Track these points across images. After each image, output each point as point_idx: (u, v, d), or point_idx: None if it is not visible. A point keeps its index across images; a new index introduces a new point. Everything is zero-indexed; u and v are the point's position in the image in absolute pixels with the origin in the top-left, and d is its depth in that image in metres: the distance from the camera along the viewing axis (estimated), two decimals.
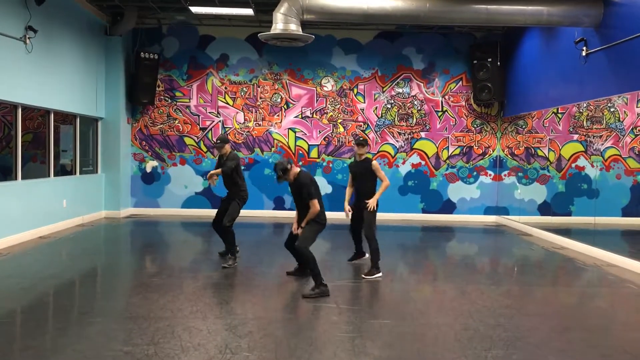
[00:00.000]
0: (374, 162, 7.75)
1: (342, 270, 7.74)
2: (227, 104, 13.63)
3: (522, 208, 12.91)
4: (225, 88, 13.62)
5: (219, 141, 8.26)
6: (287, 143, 13.63)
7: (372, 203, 7.51)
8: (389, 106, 13.65)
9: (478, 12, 9.38)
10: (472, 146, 13.67)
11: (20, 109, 9.60)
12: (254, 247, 9.52)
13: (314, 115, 13.65)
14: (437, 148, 13.67)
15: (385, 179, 7.71)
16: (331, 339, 5.05)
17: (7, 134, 9.85)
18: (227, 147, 8.29)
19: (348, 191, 7.96)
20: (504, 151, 13.56)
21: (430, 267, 8.75)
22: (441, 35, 13.53)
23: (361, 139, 8.68)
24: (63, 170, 11.69)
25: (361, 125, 13.64)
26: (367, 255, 7.89)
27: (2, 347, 4.75)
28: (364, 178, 7.74)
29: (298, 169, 6.85)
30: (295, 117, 13.65)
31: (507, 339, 5.08)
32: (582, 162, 12.74)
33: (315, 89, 13.62)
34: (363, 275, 7.39)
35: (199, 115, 13.62)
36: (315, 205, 6.61)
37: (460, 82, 13.64)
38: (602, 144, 12.68)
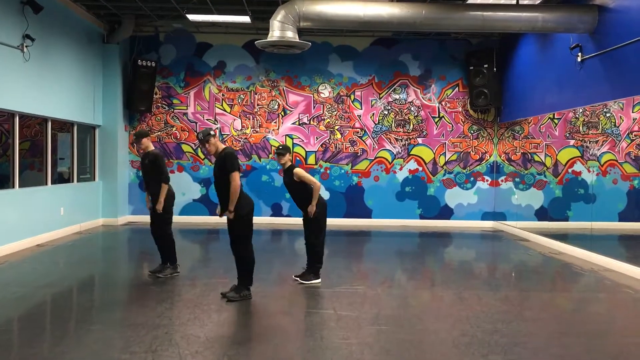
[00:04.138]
0: (296, 170, 7.14)
1: (340, 277, 7.74)
2: (225, 111, 13.66)
3: (519, 213, 12.94)
4: (223, 95, 13.65)
5: (134, 135, 7.63)
6: None
7: (310, 210, 7.08)
8: (386, 112, 13.69)
9: (474, 18, 9.42)
10: (469, 152, 13.71)
11: (17, 117, 9.61)
12: None
13: (311, 122, 13.68)
14: (434, 154, 13.71)
15: (314, 182, 7.12)
16: (329, 345, 5.05)
17: (5, 142, 9.85)
18: (146, 142, 7.60)
19: None
20: (500, 157, 13.60)
21: (428, 273, 8.76)
22: (437, 42, 13.59)
23: (280, 147, 7.32)
24: (60, 178, 11.68)
25: (358, 132, 13.67)
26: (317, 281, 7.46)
27: (0, 355, 4.74)
28: (292, 188, 7.27)
29: (223, 145, 6.50)
30: (292, 123, 13.68)
31: (505, 344, 5.08)
32: (578, 167, 12.78)
33: (312, 95, 13.66)
34: (298, 279, 7.34)
35: (196, 123, 13.63)
36: (236, 178, 6.19)
37: (457, 88, 13.69)
38: (599, 149, 12.72)
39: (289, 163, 7.30)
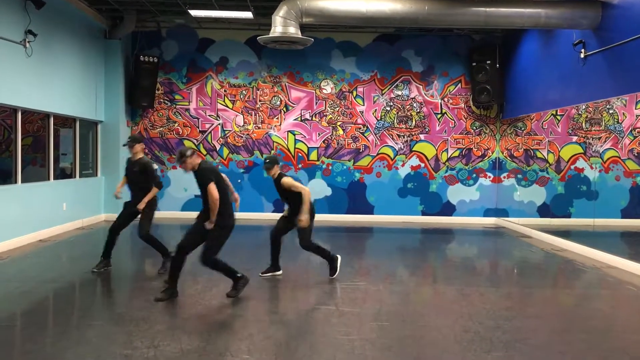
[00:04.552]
0: (283, 180, 7.13)
1: (341, 273, 7.73)
2: (227, 106, 13.65)
3: (521, 210, 12.92)
4: (225, 91, 13.63)
5: (128, 139, 7.59)
6: (287, 146, 13.65)
7: (304, 220, 7.01)
8: (388, 108, 13.67)
9: (476, 14, 9.40)
10: (472, 148, 13.68)
11: (20, 113, 9.61)
12: (253, 249, 9.51)
13: (314, 118, 13.66)
14: (437, 150, 13.68)
15: (302, 189, 7.10)
16: (331, 341, 5.05)
17: (7, 138, 9.86)
18: (138, 148, 7.61)
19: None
20: (503, 153, 13.58)
21: (430, 269, 8.76)
22: (440, 38, 13.55)
23: (267, 161, 7.26)
24: (63, 174, 11.69)
25: (360, 128, 13.65)
26: (281, 271, 7.53)
27: (3, 351, 4.75)
28: (285, 196, 7.30)
29: (199, 160, 6.35)
30: (294, 119, 13.66)
31: (507, 341, 5.08)
32: (581, 163, 12.77)
33: (314, 91, 13.64)
34: (330, 277, 7.32)
35: (198, 118, 13.63)
36: (211, 190, 6.09)
37: (459, 85, 13.66)
38: (601, 146, 12.70)
39: (278, 172, 7.26)
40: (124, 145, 7.66)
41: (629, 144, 12.66)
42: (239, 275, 6.40)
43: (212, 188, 6.14)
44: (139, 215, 7.60)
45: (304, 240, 7.19)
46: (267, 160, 7.29)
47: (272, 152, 13.62)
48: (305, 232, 7.18)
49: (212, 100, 13.63)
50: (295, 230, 7.34)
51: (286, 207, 7.50)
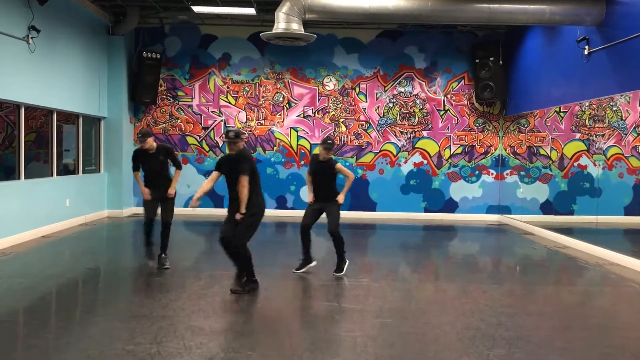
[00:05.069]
0: (337, 165, 7.47)
1: (344, 269, 7.73)
2: (230, 103, 13.64)
3: (524, 207, 12.91)
4: (228, 87, 13.63)
5: (139, 135, 7.56)
6: (289, 142, 13.64)
7: (340, 199, 7.39)
8: (391, 105, 13.65)
9: (480, 10, 9.38)
10: (474, 145, 13.66)
11: (23, 109, 9.62)
12: (256, 246, 9.49)
13: (316, 115, 13.65)
14: (439, 147, 13.66)
15: (351, 173, 7.61)
16: (333, 337, 5.06)
17: (10, 134, 9.87)
18: (151, 141, 7.58)
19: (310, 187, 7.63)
20: (506, 150, 13.55)
21: (432, 266, 8.76)
22: (443, 34, 13.52)
23: (329, 141, 7.52)
24: (66, 170, 11.71)
25: (363, 124, 13.64)
26: (314, 262, 7.54)
27: (6, 346, 4.76)
28: (323, 179, 7.49)
29: (243, 145, 6.44)
30: (297, 116, 13.66)
31: (509, 337, 5.08)
32: (584, 160, 12.74)
33: (317, 88, 13.63)
34: (335, 273, 7.32)
35: (201, 115, 13.63)
36: (242, 181, 6.14)
37: (462, 81, 13.63)
38: (605, 143, 12.67)
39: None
40: (138, 139, 7.71)
41: (633, 141, 12.63)
42: (254, 278, 6.43)
43: (244, 180, 6.17)
44: (163, 202, 7.72)
45: (333, 224, 7.27)
46: (330, 142, 7.50)
47: (275, 148, 13.61)
48: (336, 217, 7.30)
49: (214, 97, 13.63)
50: (310, 229, 7.43)
51: (309, 197, 7.53)
